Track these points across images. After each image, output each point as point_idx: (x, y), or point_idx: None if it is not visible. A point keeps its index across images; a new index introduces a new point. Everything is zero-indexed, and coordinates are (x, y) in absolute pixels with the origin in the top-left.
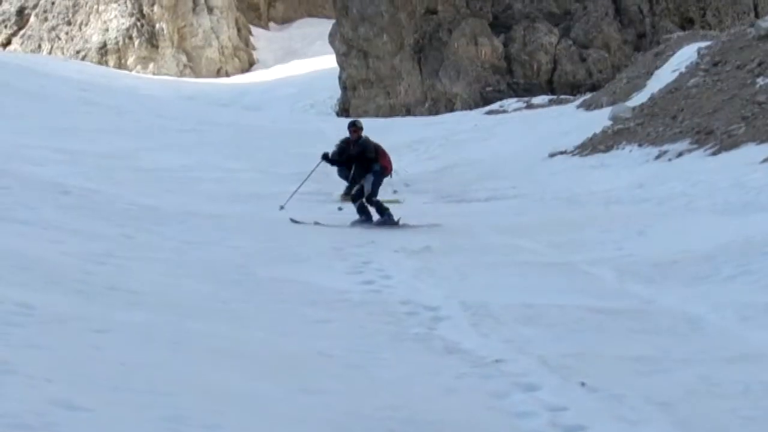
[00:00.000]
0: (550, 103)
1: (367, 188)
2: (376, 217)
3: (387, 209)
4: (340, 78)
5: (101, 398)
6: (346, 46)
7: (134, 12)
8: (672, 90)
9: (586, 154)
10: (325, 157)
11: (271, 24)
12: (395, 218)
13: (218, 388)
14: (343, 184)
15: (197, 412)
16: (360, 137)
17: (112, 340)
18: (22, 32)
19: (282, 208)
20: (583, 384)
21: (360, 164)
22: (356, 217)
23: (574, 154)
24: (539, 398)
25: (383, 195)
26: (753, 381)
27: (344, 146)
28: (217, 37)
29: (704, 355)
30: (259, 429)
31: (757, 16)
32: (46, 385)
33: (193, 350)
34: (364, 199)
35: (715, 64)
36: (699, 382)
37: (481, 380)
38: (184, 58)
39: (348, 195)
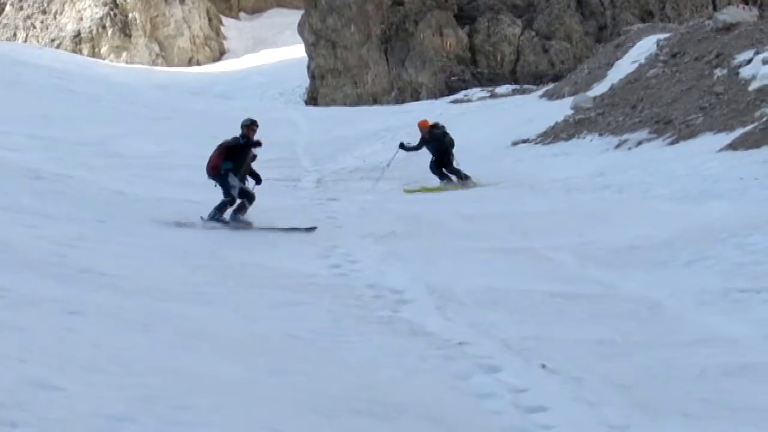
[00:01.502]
0: (514, 92)
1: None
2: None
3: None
4: (308, 67)
5: (74, 378)
6: (314, 36)
7: (108, 2)
8: (632, 81)
9: (549, 143)
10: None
11: (242, 14)
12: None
13: (188, 369)
14: None
15: (168, 393)
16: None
17: (84, 322)
18: None
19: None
20: (543, 366)
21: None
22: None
23: (536, 143)
24: (501, 380)
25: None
26: (710, 364)
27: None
28: (189, 27)
29: (663, 338)
30: (228, 409)
31: (715, 8)
32: (20, 365)
33: (164, 332)
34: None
35: (674, 56)
36: (658, 365)
37: (445, 362)
38: (156, 48)
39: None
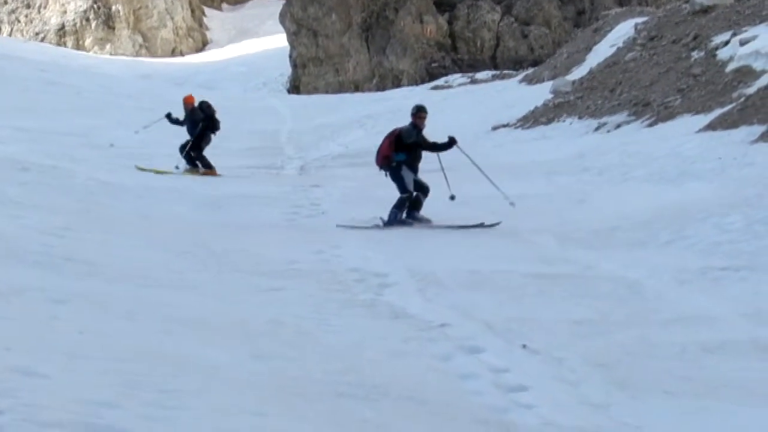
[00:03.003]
0: (494, 78)
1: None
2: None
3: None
4: (290, 56)
5: (59, 365)
6: (296, 26)
7: None
8: (610, 64)
9: (528, 127)
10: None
11: (224, 5)
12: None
13: (173, 354)
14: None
15: (152, 378)
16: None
17: (69, 310)
18: None
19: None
20: (524, 346)
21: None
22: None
23: (516, 127)
24: (483, 360)
25: None
26: (689, 342)
27: (416, 140)
28: (172, 18)
29: (643, 317)
30: (212, 394)
31: None
32: (5, 353)
33: (149, 318)
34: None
35: (652, 39)
36: (637, 344)
37: (427, 344)
38: (139, 39)
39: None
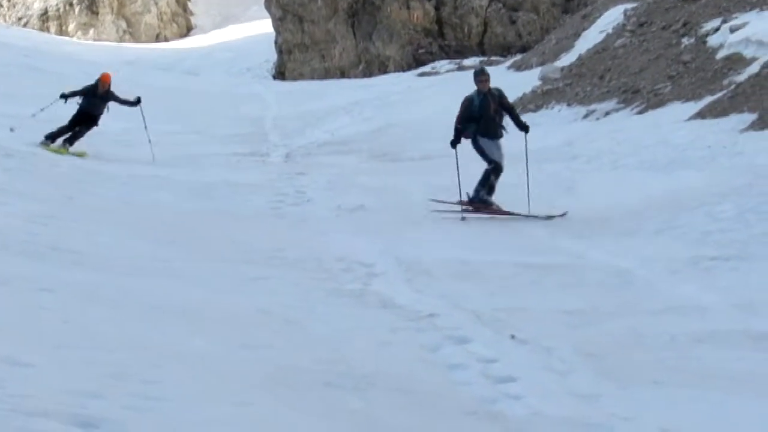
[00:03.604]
0: (482, 64)
1: (502, 155)
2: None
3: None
4: (276, 42)
5: (45, 355)
6: (281, 11)
7: None
8: (599, 51)
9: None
10: (454, 144)
11: None
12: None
13: (159, 344)
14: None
15: (138, 368)
16: (491, 87)
17: (55, 299)
18: None
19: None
20: (512, 336)
21: (498, 120)
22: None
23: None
24: (471, 351)
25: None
26: (679, 332)
27: (477, 107)
28: (156, 3)
29: (633, 307)
30: (198, 384)
31: None
32: None
33: (135, 308)
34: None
35: (641, 25)
36: (627, 334)
37: (415, 334)
38: (123, 24)
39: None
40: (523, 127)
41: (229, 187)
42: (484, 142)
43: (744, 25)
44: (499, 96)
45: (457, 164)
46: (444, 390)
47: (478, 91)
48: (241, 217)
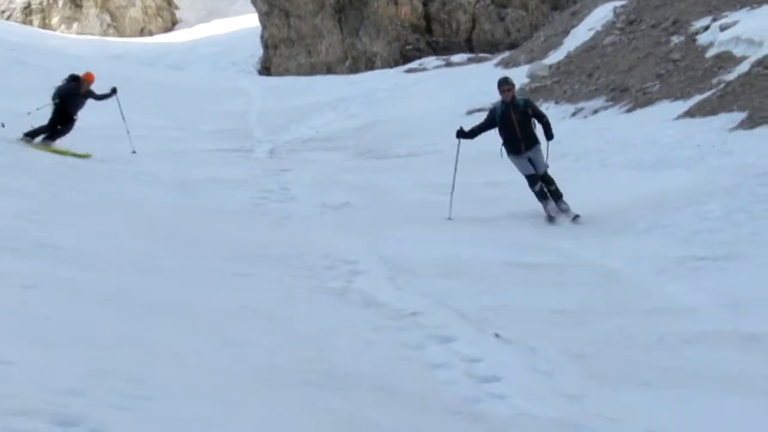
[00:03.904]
0: (469, 61)
1: (544, 163)
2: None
3: (561, 194)
4: (261, 37)
5: (29, 352)
6: (267, 6)
7: None
8: (588, 48)
9: None
10: (460, 133)
11: None
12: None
13: (143, 341)
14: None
15: (123, 366)
16: (515, 96)
17: (40, 296)
18: None
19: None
20: (497, 335)
21: (527, 131)
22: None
23: None
24: (455, 350)
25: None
26: (667, 332)
27: (499, 116)
28: None
29: (620, 307)
30: (182, 381)
31: None
32: None
33: (119, 305)
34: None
35: (631, 23)
36: (615, 334)
37: (399, 333)
38: (107, 18)
39: None
40: (549, 136)
41: (213, 183)
42: (511, 159)
43: (734, 23)
44: (524, 106)
45: (457, 158)
46: (427, 389)
47: (502, 101)
48: (225, 213)
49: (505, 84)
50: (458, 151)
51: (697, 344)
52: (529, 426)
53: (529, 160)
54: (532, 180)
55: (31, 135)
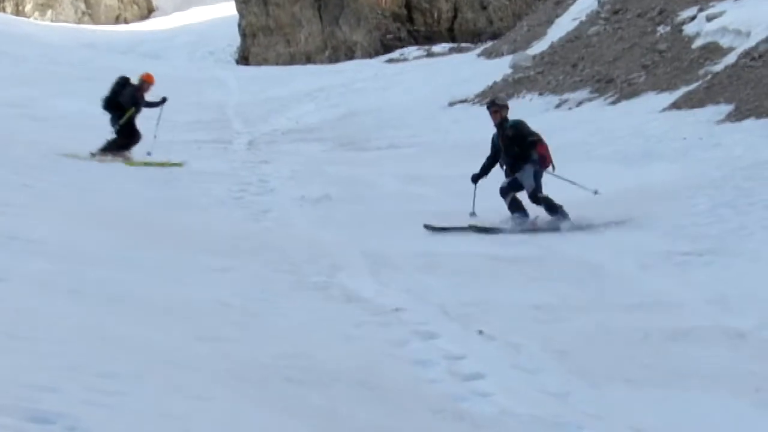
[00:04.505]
0: (451, 51)
1: (529, 183)
2: (547, 217)
3: (560, 207)
4: (239, 25)
5: None
6: None
7: None
8: (572, 38)
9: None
10: (474, 178)
11: None
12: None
13: (115, 336)
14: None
15: (94, 361)
16: (506, 118)
17: (10, 289)
18: None
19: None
20: (480, 332)
21: (513, 153)
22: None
23: (474, 103)
24: (438, 346)
25: None
26: (652, 328)
27: (496, 141)
28: None
29: (604, 302)
30: (155, 377)
31: None
32: None
33: (91, 298)
34: (523, 195)
35: (616, 13)
36: (597, 330)
37: (380, 329)
38: (82, 5)
39: None
40: (526, 159)
41: (191, 175)
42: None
43: (721, 13)
44: (510, 128)
45: (474, 199)
46: (410, 387)
47: (495, 125)
48: (203, 206)
49: (492, 106)
50: (475, 195)
51: (682, 340)
52: (512, 424)
53: (515, 179)
54: (533, 196)
55: (107, 150)
